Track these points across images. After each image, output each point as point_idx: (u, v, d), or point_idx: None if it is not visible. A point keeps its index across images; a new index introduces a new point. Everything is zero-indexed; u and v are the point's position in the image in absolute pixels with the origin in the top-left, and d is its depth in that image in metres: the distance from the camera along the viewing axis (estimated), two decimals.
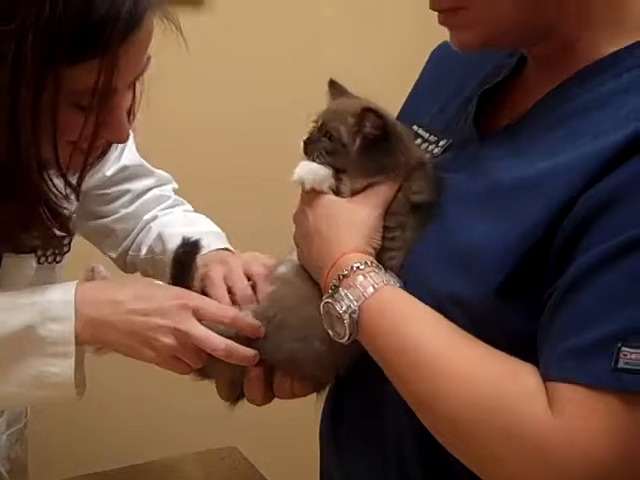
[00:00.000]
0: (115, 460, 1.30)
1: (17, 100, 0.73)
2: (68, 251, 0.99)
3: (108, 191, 1.11)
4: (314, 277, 0.79)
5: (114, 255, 1.15)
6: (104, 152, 0.90)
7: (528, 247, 0.65)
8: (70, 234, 0.88)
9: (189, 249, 0.91)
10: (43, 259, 0.96)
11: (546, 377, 0.62)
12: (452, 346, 0.66)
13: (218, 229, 1.10)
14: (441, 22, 0.74)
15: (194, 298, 0.85)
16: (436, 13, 0.74)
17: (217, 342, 0.81)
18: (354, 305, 0.70)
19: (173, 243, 1.06)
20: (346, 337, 0.71)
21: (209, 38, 1.75)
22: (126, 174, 1.13)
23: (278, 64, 1.83)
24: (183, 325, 0.82)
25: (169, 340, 0.81)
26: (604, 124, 0.65)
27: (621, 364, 0.58)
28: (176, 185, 1.21)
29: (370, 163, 0.77)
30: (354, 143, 0.77)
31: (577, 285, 0.61)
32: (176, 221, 1.13)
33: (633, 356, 0.58)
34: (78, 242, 1.01)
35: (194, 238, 0.92)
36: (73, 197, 0.86)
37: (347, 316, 0.70)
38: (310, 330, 0.78)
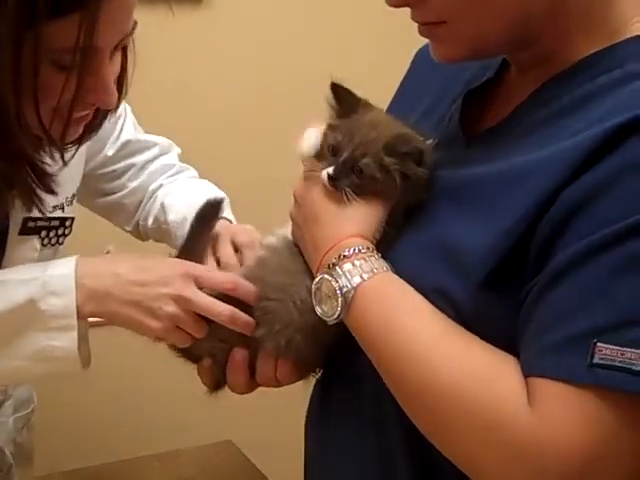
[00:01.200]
0: (107, 455, 1.30)
1: None
2: (69, 233, 1.00)
3: (113, 168, 1.11)
4: (305, 255, 0.78)
5: (129, 228, 1.16)
6: (96, 124, 0.89)
7: (509, 244, 0.65)
8: (53, 194, 0.87)
9: (210, 212, 0.93)
10: (47, 241, 0.96)
11: (525, 373, 0.62)
12: (439, 337, 0.66)
13: (221, 194, 1.09)
14: (422, 34, 0.74)
15: (195, 267, 0.86)
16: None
17: (222, 308, 0.81)
18: (351, 284, 0.70)
19: (173, 214, 1.09)
20: (334, 316, 0.71)
21: (208, 36, 1.76)
22: (128, 150, 1.13)
23: (276, 61, 1.84)
24: (186, 292, 0.82)
25: (172, 308, 0.81)
26: (581, 124, 0.65)
27: (596, 359, 0.58)
28: (179, 150, 1.21)
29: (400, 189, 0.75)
30: (390, 180, 0.74)
31: (555, 281, 0.61)
32: (178, 190, 1.14)
33: (608, 351, 0.57)
34: (83, 227, 1.02)
35: (217, 198, 0.95)
36: (58, 157, 0.85)
37: (341, 294, 0.70)
38: (287, 296, 0.78)
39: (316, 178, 0.77)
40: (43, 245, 0.96)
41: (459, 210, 0.71)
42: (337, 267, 0.71)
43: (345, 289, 0.70)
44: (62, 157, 0.85)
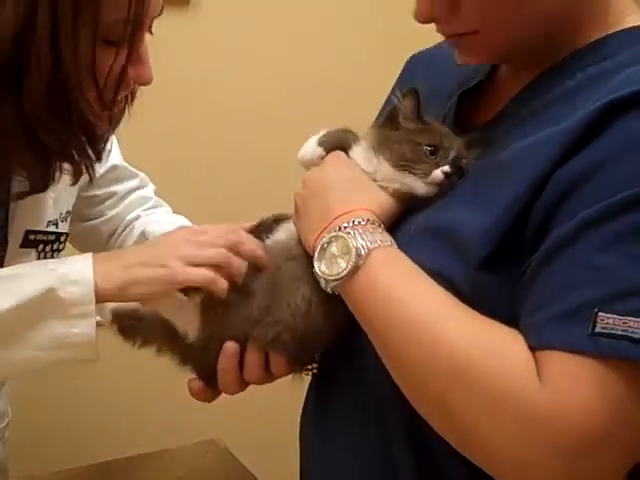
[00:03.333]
0: (92, 456, 1.30)
1: (57, 22, 0.77)
2: (63, 249, 1.02)
3: (96, 193, 1.12)
4: (307, 228, 0.77)
5: None
6: (119, 117, 0.92)
7: (506, 226, 0.66)
8: (99, 160, 0.91)
9: None
10: (42, 255, 0.98)
11: (529, 346, 0.62)
12: (445, 309, 0.65)
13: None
14: (450, 45, 0.75)
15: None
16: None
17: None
18: (367, 245, 0.69)
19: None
20: (339, 276, 0.70)
21: (194, 38, 1.76)
22: (113, 175, 1.15)
23: (264, 64, 1.84)
24: (230, 235, 0.83)
25: (211, 251, 0.82)
26: (572, 111, 0.66)
27: (598, 329, 0.59)
28: (154, 186, 1.23)
29: None
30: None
31: (553, 255, 0.62)
32: (159, 220, 1.16)
33: (610, 321, 0.58)
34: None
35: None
36: (108, 123, 0.90)
37: (355, 253, 0.69)
38: (282, 296, 0.79)
39: (334, 159, 0.78)
40: (39, 259, 0.97)
41: (457, 197, 0.73)
42: (350, 230, 0.71)
43: (361, 250, 0.69)
44: (111, 122, 0.90)
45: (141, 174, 1.20)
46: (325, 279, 0.72)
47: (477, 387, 0.61)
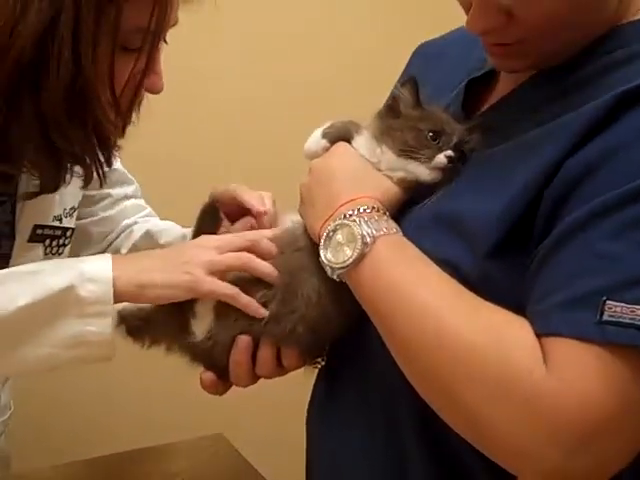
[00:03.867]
0: (96, 449, 1.30)
1: (79, 28, 0.78)
2: (69, 244, 1.03)
3: (92, 192, 1.12)
4: (311, 216, 0.77)
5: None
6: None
7: (516, 213, 0.66)
8: (110, 165, 0.92)
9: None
10: (49, 250, 0.99)
11: (536, 333, 0.62)
12: (452, 296, 0.65)
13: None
14: (491, 52, 0.75)
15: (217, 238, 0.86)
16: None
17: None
18: (373, 233, 0.69)
19: (165, 237, 1.12)
20: (345, 264, 0.70)
21: (197, 33, 1.75)
22: (111, 178, 1.14)
23: (265, 61, 1.83)
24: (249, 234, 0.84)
25: (232, 257, 0.81)
26: (584, 102, 0.66)
27: (606, 317, 0.58)
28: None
29: None
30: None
31: (562, 243, 0.62)
32: (160, 224, 1.17)
33: (618, 309, 0.58)
34: None
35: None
36: (120, 130, 0.91)
37: (361, 241, 0.69)
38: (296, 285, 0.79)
39: (339, 149, 0.78)
40: (45, 254, 0.98)
41: (465, 185, 0.73)
42: (356, 217, 0.71)
43: (367, 237, 0.69)
44: (123, 130, 0.91)
45: (136, 183, 1.21)
46: (331, 267, 0.72)
47: (483, 374, 0.61)
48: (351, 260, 0.69)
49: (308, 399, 0.91)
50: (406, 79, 0.81)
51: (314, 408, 0.89)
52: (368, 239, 0.69)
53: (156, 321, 0.86)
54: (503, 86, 0.80)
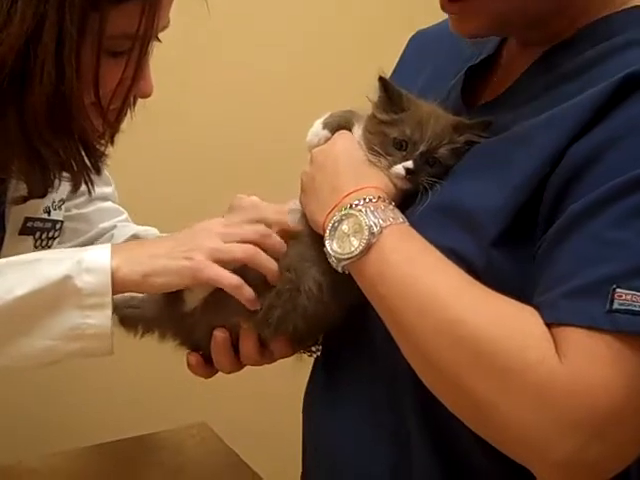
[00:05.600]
0: (81, 439, 1.30)
1: (63, 36, 0.77)
2: (59, 236, 1.01)
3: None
4: (314, 205, 0.76)
5: None
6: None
7: (520, 202, 0.65)
8: (99, 173, 0.91)
9: None
10: (39, 242, 0.98)
11: (546, 322, 0.61)
12: (459, 286, 0.65)
13: None
14: (445, 9, 0.74)
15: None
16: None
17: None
18: (380, 223, 0.68)
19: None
20: (351, 255, 0.69)
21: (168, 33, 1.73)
22: None
23: (264, 52, 1.82)
24: (259, 227, 0.81)
25: (237, 248, 0.79)
26: (584, 88, 0.66)
27: (616, 305, 0.58)
28: None
29: None
30: (454, 160, 0.76)
31: (569, 231, 0.62)
32: (143, 228, 1.15)
33: (628, 297, 0.58)
34: None
35: None
36: (107, 138, 0.89)
37: (368, 232, 0.68)
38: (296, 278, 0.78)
39: (341, 137, 0.78)
40: (35, 247, 0.96)
41: (467, 173, 0.72)
42: (362, 207, 0.69)
43: (374, 227, 0.68)
44: (112, 140, 0.90)
45: (114, 186, 1.20)
46: (337, 258, 0.71)
47: (494, 365, 0.61)
48: (358, 251, 0.68)
49: (291, 387, 0.91)
50: (378, 80, 0.79)
51: (312, 396, 0.88)
52: (375, 229, 0.68)
53: (147, 307, 0.85)
54: (503, 74, 0.80)
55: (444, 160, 0.75)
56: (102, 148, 0.89)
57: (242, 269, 0.80)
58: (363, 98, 0.82)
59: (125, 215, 1.19)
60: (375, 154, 0.76)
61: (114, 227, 1.15)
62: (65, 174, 0.88)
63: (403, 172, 0.74)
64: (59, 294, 0.77)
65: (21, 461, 1.20)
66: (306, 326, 0.79)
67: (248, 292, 0.78)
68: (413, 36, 0.97)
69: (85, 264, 0.78)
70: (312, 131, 0.83)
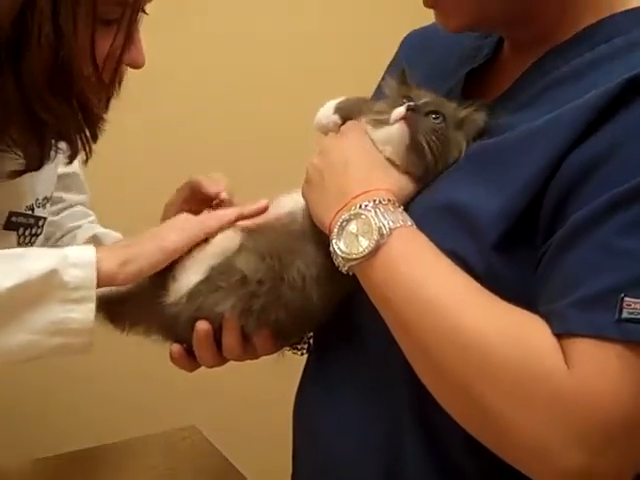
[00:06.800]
0: (70, 443, 1.29)
1: (58, 1, 0.79)
2: (41, 233, 1.01)
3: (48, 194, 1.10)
4: (322, 205, 0.75)
5: None
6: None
7: (520, 207, 0.65)
8: (96, 140, 0.91)
9: None
10: (22, 239, 0.98)
11: (554, 331, 0.61)
12: (467, 293, 0.64)
13: None
14: (426, 4, 0.74)
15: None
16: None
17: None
18: (389, 225, 0.67)
19: (112, 240, 1.11)
20: (359, 255, 0.68)
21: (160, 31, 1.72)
22: (69, 182, 1.14)
23: (236, 48, 1.82)
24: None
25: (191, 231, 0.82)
26: (584, 90, 0.66)
27: (625, 314, 0.58)
28: None
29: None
30: (448, 154, 0.74)
31: (575, 239, 0.62)
32: (107, 231, 1.16)
33: (637, 306, 0.58)
34: None
35: None
36: (104, 103, 0.91)
37: (378, 233, 0.67)
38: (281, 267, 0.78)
39: (353, 130, 0.77)
40: (19, 243, 0.96)
41: (467, 176, 0.72)
42: (372, 208, 0.68)
43: (383, 229, 0.67)
44: (107, 105, 0.91)
45: (88, 193, 1.21)
46: (344, 258, 0.69)
47: (504, 374, 0.60)
48: (367, 251, 0.67)
49: (281, 391, 0.90)
50: (402, 72, 0.80)
51: (303, 395, 0.87)
52: (384, 230, 0.67)
53: (132, 302, 0.85)
54: (502, 76, 0.79)
55: (450, 120, 0.74)
56: (100, 114, 0.91)
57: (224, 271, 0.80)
58: (367, 87, 0.82)
59: (93, 217, 1.20)
60: (377, 117, 0.75)
61: (79, 227, 1.16)
62: (62, 144, 0.89)
63: (404, 110, 0.73)
64: (44, 288, 0.77)
65: (3, 465, 1.20)
66: (289, 319, 0.78)
67: (215, 220, 0.82)
68: (405, 38, 0.96)
69: (71, 259, 0.78)
70: (323, 112, 0.82)
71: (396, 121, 0.74)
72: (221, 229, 0.83)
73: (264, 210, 0.84)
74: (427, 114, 0.74)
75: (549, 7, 0.72)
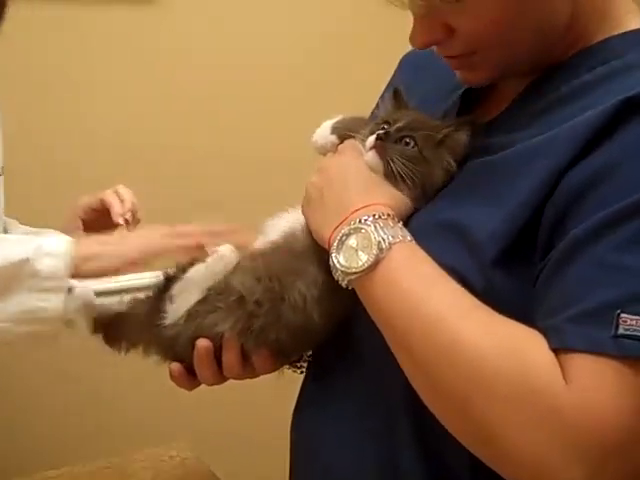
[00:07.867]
0: (58, 463, 1.27)
1: None
2: None
3: None
4: (321, 221, 0.75)
5: None
6: None
7: (518, 225, 0.66)
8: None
9: None
10: None
11: (552, 347, 0.61)
12: (466, 309, 0.64)
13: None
14: (452, 66, 0.76)
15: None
16: None
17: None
18: (389, 239, 0.68)
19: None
20: (359, 270, 0.68)
21: (160, 36, 1.73)
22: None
23: (227, 61, 1.82)
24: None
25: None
26: (582, 111, 0.66)
27: (621, 330, 0.58)
28: None
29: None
30: (433, 172, 0.75)
31: (572, 255, 0.62)
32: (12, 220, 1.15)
33: (633, 322, 0.58)
34: None
35: None
36: None
37: (377, 247, 0.67)
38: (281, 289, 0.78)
39: (350, 149, 0.77)
40: None
41: (468, 193, 0.72)
42: (371, 223, 0.69)
43: (383, 243, 0.68)
44: None
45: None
46: (343, 272, 0.70)
47: (501, 389, 0.61)
48: (366, 265, 0.68)
49: (273, 409, 0.90)
50: (395, 91, 0.81)
51: (301, 411, 0.87)
52: (384, 245, 0.68)
53: (130, 322, 0.85)
54: (499, 97, 0.80)
55: (421, 144, 0.75)
56: None
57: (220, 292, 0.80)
58: (363, 102, 0.83)
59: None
60: (363, 137, 0.77)
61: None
62: None
63: (373, 139, 0.75)
64: (16, 275, 0.79)
65: None
66: (290, 339, 0.79)
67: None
68: (403, 57, 0.97)
69: (45, 248, 0.80)
70: (320, 132, 0.83)
71: (370, 149, 0.76)
72: (210, 248, 0.82)
73: (231, 232, 0.84)
74: (398, 140, 0.76)
75: (567, 34, 0.73)
